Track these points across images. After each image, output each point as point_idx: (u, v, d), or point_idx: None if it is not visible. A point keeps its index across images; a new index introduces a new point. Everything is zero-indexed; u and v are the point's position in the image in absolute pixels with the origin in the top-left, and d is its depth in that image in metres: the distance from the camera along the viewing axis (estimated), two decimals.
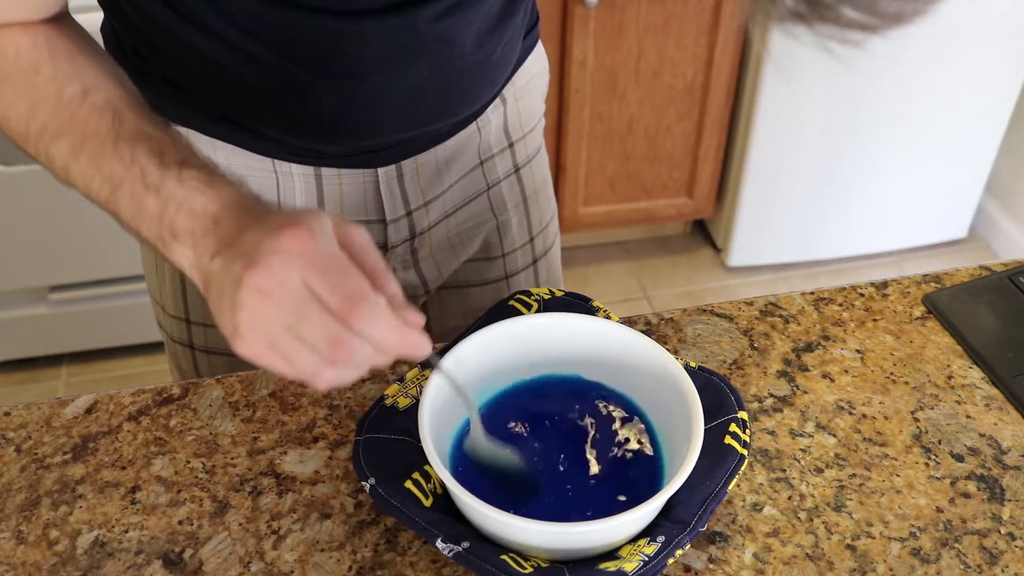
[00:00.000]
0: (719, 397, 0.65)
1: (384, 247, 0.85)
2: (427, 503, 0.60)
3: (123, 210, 0.58)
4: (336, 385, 0.52)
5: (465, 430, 0.65)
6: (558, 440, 0.65)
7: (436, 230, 0.87)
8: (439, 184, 0.84)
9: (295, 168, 0.78)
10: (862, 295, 0.81)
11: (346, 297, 0.50)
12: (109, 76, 0.63)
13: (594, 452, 0.64)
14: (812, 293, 0.82)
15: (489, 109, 0.84)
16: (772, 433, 0.69)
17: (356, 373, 0.52)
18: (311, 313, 0.50)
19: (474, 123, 0.84)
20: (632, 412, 0.66)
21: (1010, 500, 0.65)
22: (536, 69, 0.89)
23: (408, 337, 0.52)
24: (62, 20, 0.65)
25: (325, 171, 0.79)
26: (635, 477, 0.63)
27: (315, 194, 0.80)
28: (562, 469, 0.63)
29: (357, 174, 0.80)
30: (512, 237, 0.93)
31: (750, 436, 0.63)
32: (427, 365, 0.58)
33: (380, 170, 0.80)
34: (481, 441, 0.62)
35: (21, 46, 0.62)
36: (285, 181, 0.78)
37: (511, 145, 0.89)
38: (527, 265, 0.96)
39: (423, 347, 0.54)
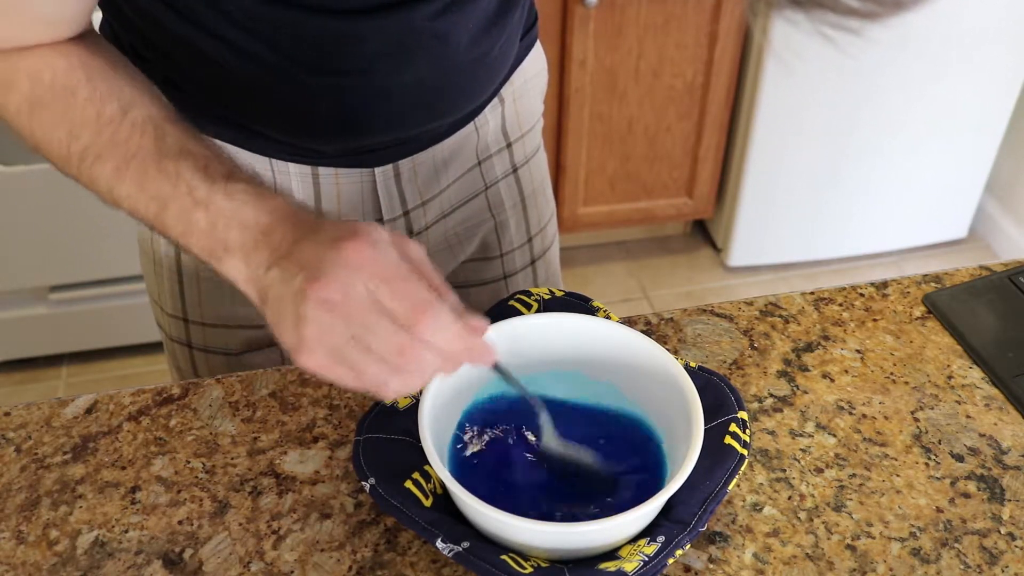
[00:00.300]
0: (719, 397, 0.65)
1: None
2: (427, 503, 0.60)
3: (172, 228, 0.58)
4: (403, 394, 0.53)
5: (463, 422, 0.65)
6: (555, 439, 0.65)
7: (434, 230, 0.87)
8: (436, 184, 0.84)
9: (292, 167, 0.78)
10: (862, 295, 0.81)
11: (413, 305, 0.50)
12: (145, 92, 0.63)
13: (594, 452, 0.64)
14: (812, 293, 0.82)
15: (487, 109, 0.84)
16: (772, 433, 0.69)
17: (422, 381, 0.53)
18: (378, 323, 0.50)
19: (472, 123, 0.84)
20: (632, 416, 0.66)
21: (1010, 500, 0.65)
22: (535, 69, 0.89)
23: (474, 343, 0.53)
24: (90, 37, 0.65)
25: (322, 170, 0.79)
26: (635, 477, 0.63)
27: (312, 193, 0.80)
28: (561, 468, 0.63)
29: (354, 174, 0.80)
30: (510, 237, 0.93)
31: (750, 436, 0.63)
32: (495, 369, 0.59)
33: (377, 170, 0.80)
34: (555, 443, 0.63)
35: (57, 69, 0.62)
36: (282, 180, 0.78)
37: (509, 145, 0.89)
38: (525, 265, 0.96)
39: (488, 354, 0.55)
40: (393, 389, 0.52)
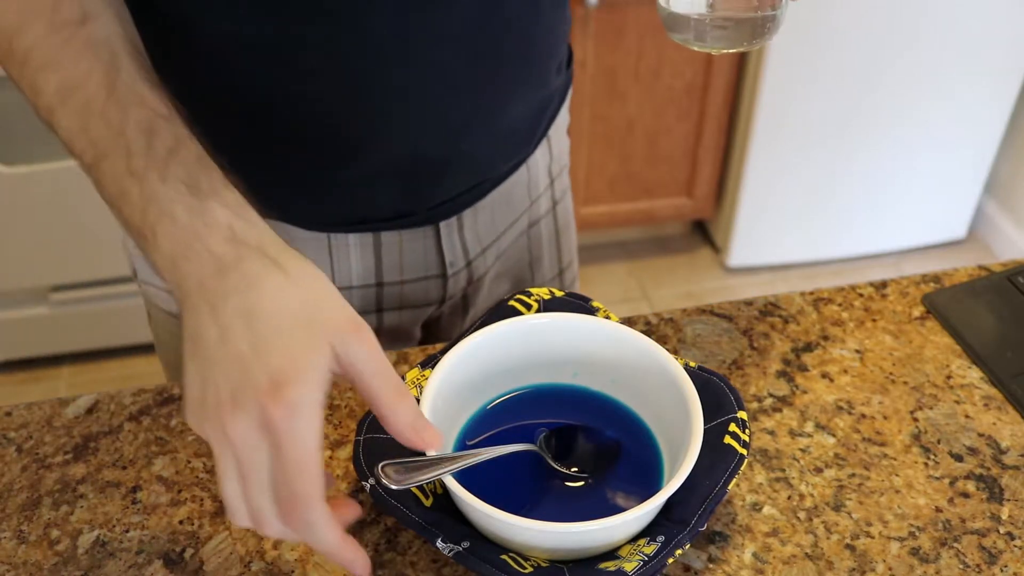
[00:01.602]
0: (719, 397, 0.65)
1: (441, 300, 0.84)
2: (427, 503, 0.60)
3: (107, 186, 0.52)
4: (274, 536, 0.49)
5: (466, 431, 0.65)
6: (558, 439, 0.65)
7: (488, 275, 0.86)
8: (494, 229, 0.83)
9: (352, 238, 0.76)
10: (861, 295, 0.82)
11: (291, 494, 0.46)
12: (109, 4, 0.55)
13: (593, 452, 0.64)
14: (811, 293, 0.82)
15: (538, 149, 0.84)
16: (772, 433, 0.69)
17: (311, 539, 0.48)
18: (264, 487, 0.47)
19: (524, 163, 0.83)
20: (631, 417, 0.66)
21: (1009, 500, 0.65)
22: (567, 104, 0.89)
23: (345, 554, 0.49)
24: None
25: (385, 236, 0.77)
26: (635, 477, 0.63)
27: (372, 257, 0.77)
28: (561, 469, 0.64)
29: (418, 232, 0.78)
30: (543, 273, 0.92)
31: (750, 436, 0.63)
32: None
33: (442, 224, 0.78)
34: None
35: None
36: (340, 253, 0.76)
37: (552, 182, 0.89)
38: None
39: (358, 567, 0.50)
40: (272, 530, 0.48)
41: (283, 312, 0.47)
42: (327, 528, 0.48)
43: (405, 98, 0.68)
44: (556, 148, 0.88)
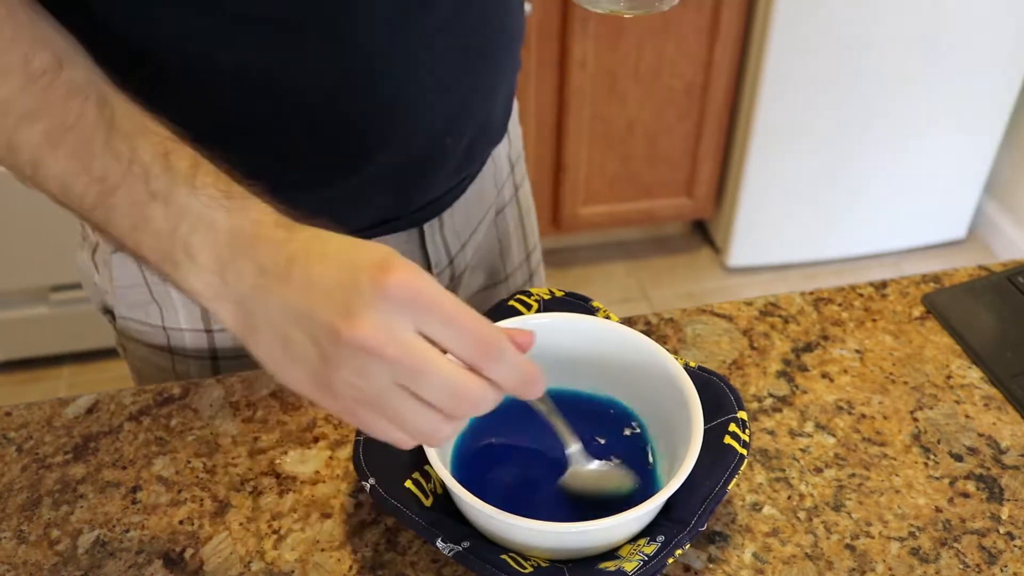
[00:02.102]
0: (718, 397, 0.65)
1: None
2: (427, 503, 0.60)
3: (119, 220, 0.49)
4: (446, 441, 0.46)
5: (468, 431, 0.65)
6: (558, 439, 0.65)
7: (468, 270, 0.86)
8: (469, 224, 0.83)
9: None
10: (861, 295, 0.82)
11: (477, 341, 0.44)
12: (80, 50, 0.52)
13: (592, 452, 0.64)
14: (811, 293, 0.82)
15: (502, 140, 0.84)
16: (772, 433, 0.69)
17: (463, 424, 0.47)
18: (435, 366, 0.44)
19: (491, 155, 0.83)
20: (630, 415, 0.66)
21: (1009, 500, 0.65)
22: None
23: (534, 374, 0.47)
24: None
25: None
26: (635, 477, 0.63)
27: None
28: (562, 468, 0.64)
29: (402, 236, 0.77)
30: (513, 259, 0.93)
31: (750, 436, 0.63)
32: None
33: (426, 225, 0.78)
34: (584, 472, 0.61)
35: None
36: None
37: (512, 169, 0.89)
38: (525, 282, 0.96)
39: (541, 385, 0.49)
40: (444, 436, 0.46)
41: (350, 245, 0.46)
42: (517, 355, 0.46)
43: (396, 107, 0.68)
44: (513, 134, 0.88)
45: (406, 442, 0.47)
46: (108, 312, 0.83)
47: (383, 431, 0.46)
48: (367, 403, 0.45)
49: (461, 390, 0.44)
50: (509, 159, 0.88)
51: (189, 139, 0.51)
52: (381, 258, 0.44)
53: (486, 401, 0.46)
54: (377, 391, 0.44)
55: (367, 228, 0.76)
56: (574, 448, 0.61)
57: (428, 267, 0.81)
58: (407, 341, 0.43)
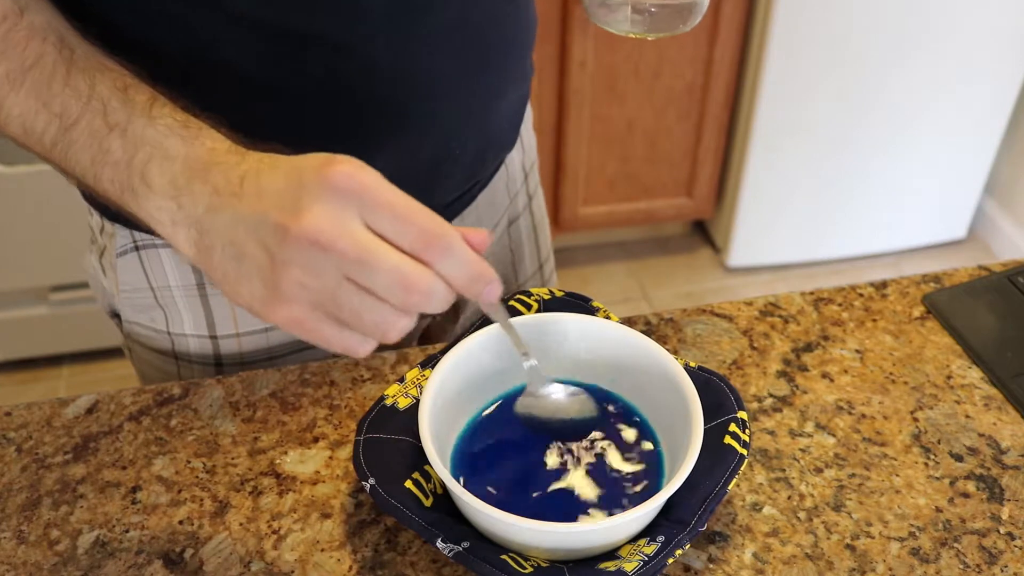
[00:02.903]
0: (719, 397, 0.65)
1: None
2: (427, 503, 0.60)
3: (78, 154, 0.50)
4: (401, 337, 0.46)
5: (468, 432, 0.65)
6: (558, 439, 0.65)
7: None
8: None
9: None
10: (861, 295, 0.82)
11: (422, 231, 0.44)
12: None
13: (594, 452, 0.64)
14: (811, 293, 0.82)
15: (514, 146, 0.84)
16: (772, 433, 0.69)
17: (414, 320, 0.46)
18: (381, 256, 0.43)
19: (504, 162, 0.83)
20: (630, 413, 0.66)
21: (1009, 500, 0.65)
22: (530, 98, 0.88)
23: (484, 270, 0.47)
24: None
25: None
26: (635, 477, 0.63)
27: None
28: (561, 469, 0.64)
29: None
30: (525, 269, 0.92)
31: (750, 436, 0.63)
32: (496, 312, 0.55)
33: None
34: (542, 396, 0.60)
35: None
36: None
37: (526, 177, 0.89)
38: None
39: (494, 282, 0.48)
40: (400, 331, 0.45)
41: (300, 157, 0.46)
42: (465, 248, 0.46)
43: (402, 114, 0.67)
44: (527, 142, 0.88)
45: (361, 345, 0.47)
46: (115, 315, 0.83)
47: (337, 338, 0.46)
48: (319, 304, 0.44)
49: (410, 279, 0.44)
50: (523, 167, 0.88)
51: (148, 78, 0.51)
52: (326, 156, 0.45)
53: (436, 293, 0.45)
54: (327, 288, 0.44)
55: None
56: (529, 364, 0.61)
57: None
58: (354, 232, 0.43)
